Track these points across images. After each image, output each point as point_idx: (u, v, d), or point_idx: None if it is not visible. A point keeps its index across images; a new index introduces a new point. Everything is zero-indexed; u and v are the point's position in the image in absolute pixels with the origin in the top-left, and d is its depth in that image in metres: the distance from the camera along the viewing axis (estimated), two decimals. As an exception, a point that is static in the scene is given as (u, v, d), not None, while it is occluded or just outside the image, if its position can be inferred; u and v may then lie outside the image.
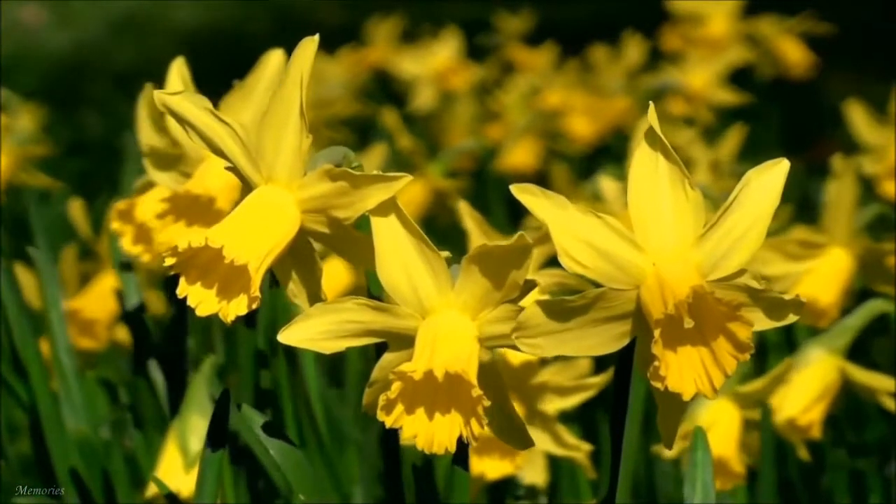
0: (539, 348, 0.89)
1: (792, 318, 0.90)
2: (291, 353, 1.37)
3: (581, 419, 1.62)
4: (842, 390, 1.54)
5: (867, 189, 1.94)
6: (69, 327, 1.58)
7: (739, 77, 3.08)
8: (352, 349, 0.96)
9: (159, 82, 1.26)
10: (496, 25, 3.73)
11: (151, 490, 1.29)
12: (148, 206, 1.27)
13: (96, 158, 3.66)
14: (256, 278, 0.91)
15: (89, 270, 1.93)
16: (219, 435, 1.02)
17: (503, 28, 3.71)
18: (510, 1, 4.17)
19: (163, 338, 1.48)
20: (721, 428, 1.45)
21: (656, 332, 0.86)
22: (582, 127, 3.08)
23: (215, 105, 0.96)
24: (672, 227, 0.89)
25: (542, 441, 1.36)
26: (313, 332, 0.93)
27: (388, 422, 0.90)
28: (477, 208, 1.42)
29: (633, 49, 3.25)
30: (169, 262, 0.91)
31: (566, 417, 1.42)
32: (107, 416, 1.60)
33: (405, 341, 0.93)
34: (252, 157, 0.94)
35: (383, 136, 2.88)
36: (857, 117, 2.07)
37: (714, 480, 1.09)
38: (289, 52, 0.95)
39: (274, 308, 1.37)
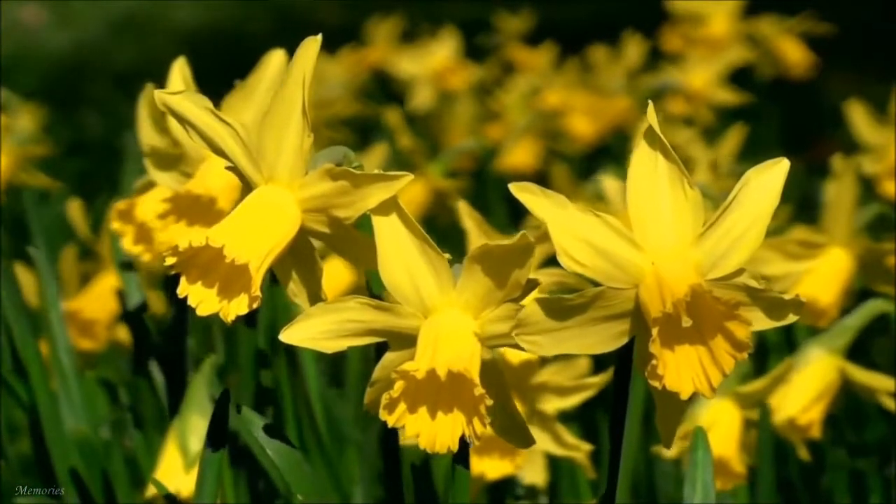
0: (538, 346, 0.89)
1: (791, 318, 0.90)
2: (292, 352, 1.37)
3: (581, 419, 1.62)
4: (842, 390, 1.54)
5: (867, 189, 1.94)
6: (69, 328, 1.58)
7: (739, 77, 3.09)
8: (352, 349, 0.96)
9: (160, 82, 1.26)
10: (496, 25, 3.73)
11: (151, 490, 1.29)
12: (149, 205, 1.27)
13: (96, 158, 3.66)
14: (257, 278, 0.91)
15: (89, 270, 1.93)
16: (219, 435, 1.02)
17: (503, 28, 3.71)
18: (510, 1, 4.17)
19: (163, 338, 1.48)
20: (722, 428, 1.45)
21: (654, 331, 0.86)
22: (582, 126, 3.09)
23: (216, 105, 0.96)
24: (671, 226, 0.89)
25: (542, 441, 1.36)
26: (315, 331, 0.93)
27: (391, 421, 0.90)
28: (477, 208, 1.42)
29: (633, 49, 3.25)
30: (169, 261, 0.91)
31: (566, 417, 1.42)
32: (107, 416, 1.60)
33: (407, 340, 0.93)
34: (253, 156, 0.94)
35: (383, 136, 2.88)
36: (858, 117, 2.07)
37: (715, 480, 1.09)
38: (290, 52, 0.95)
39: (274, 308, 1.37)
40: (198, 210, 1.22)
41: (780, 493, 1.57)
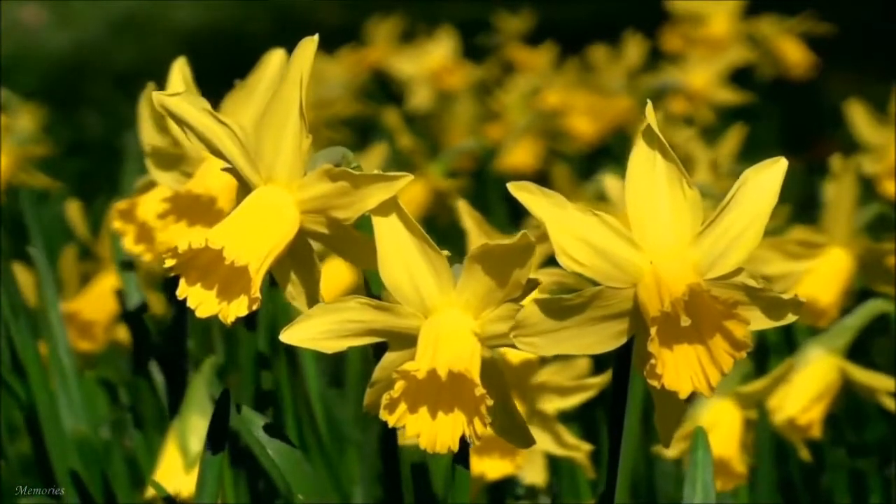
0: (537, 346, 0.89)
1: (791, 318, 0.90)
2: (292, 353, 1.37)
3: (581, 419, 1.62)
4: (842, 390, 1.54)
5: (867, 189, 1.94)
6: (68, 329, 1.58)
7: (739, 77, 3.09)
8: (352, 349, 0.96)
9: (160, 82, 1.26)
10: (496, 25, 3.73)
11: (151, 490, 1.29)
12: (149, 205, 1.27)
13: (96, 158, 3.66)
14: (257, 279, 0.91)
15: (88, 271, 1.93)
16: (219, 436, 1.02)
17: (503, 28, 3.71)
18: (510, 1, 4.17)
19: (163, 338, 1.48)
20: (722, 428, 1.45)
21: (653, 330, 0.86)
22: (583, 126, 3.09)
23: (216, 105, 0.96)
24: (669, 226, 0.89)
25: (542, 441, 1.36)
26: (315, 331, 0.93)
27: (391, 421, 0.90)
28: (477, 208, 1.42)
29: (634, 49, 3.25)
30: (169, 263, 0.91)
31: (566, 417, 1.42)
32: (106, 417, 1.60)
33: (407, 341, 0.93)
34: (251, 157, 0.94)
35: (383, 136, 2.88)
36: (858, 117, 2.07)
37: (715, 480, 1.09)
38: (289, 52, 0.95)
39: (274, 309, 1.37)
40: (198, 210, 1.22)
41: (780, 493, 1.57)
